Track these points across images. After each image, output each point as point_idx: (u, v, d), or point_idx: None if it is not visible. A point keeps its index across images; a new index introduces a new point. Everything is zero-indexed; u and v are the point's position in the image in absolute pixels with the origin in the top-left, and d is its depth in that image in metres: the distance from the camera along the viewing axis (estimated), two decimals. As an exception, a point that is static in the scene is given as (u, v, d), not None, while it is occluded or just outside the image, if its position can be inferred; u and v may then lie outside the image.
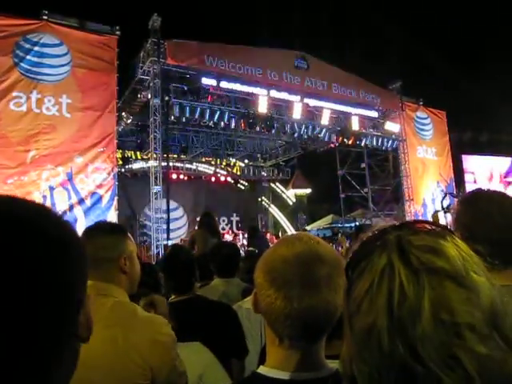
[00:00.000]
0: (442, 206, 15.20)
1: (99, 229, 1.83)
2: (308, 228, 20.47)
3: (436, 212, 5.45)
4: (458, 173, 17.93)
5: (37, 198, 9.13)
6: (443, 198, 12.98)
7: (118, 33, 10.52)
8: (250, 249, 6.16)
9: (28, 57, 9.32)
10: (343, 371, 0.72)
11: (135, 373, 1.55)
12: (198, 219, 7.24)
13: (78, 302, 0.66)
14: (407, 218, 15.91)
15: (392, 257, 0.65)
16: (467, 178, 18.36)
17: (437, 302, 0.60)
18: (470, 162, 18.85)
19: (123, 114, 13.06)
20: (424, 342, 0.59)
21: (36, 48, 9.42)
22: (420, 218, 15.97)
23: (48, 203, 9.28)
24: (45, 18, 9.65)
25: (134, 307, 1.72)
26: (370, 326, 0.63)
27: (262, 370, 1.09)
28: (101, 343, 1.47)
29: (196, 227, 6.60)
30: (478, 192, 1.77)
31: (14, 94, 9.11)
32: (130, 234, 1.89)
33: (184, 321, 1.99)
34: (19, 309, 0.56)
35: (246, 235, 13.21)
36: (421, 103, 17.06)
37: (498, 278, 0.70)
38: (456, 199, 15.96)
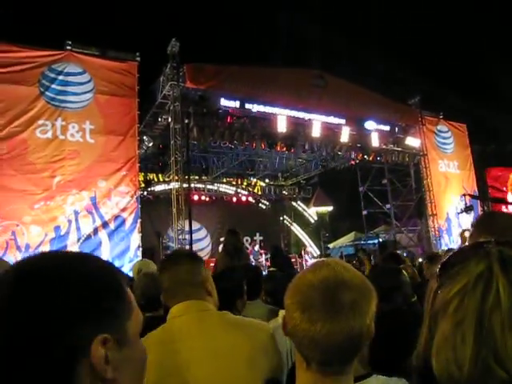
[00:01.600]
0: (462, 209, 15.03)
1: (184, 256, 2.04)
2: (331, 246, 20.33)
3: (463, 231, 5.37)
4: (482, 186, 17.71)
5: (62, 222, 9.33)
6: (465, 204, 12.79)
7: (138, 59, 10.78)
8: (272, 269, 6.14)
9: (53, 86, 9.62)
10: (416, 367, 0.74)
11: (267, 366, 1.70)
12: (221, 239, 7.26)
13: (79, 339, 0.66)
14: (431, 234, 15.72)
15: (492, 265, 0.65)
16: (491, 190, 18.12)
17: None
18: (494, 174, 18.60)
19: (144, 137, 13.27)
20: (511, 352, 0.59)
21: (60, 77, 9.72)
22: (444, 232, 15.76)
23: (73, 227, 9.46)
24: (68, 48, 9.99)
25: (232, 315, 1.91)
26: (456, 326, 0.64)
27: None
28: (229, 347, 1.67)
29: (221, 246, 6.58)
30: (492, 213, 1.78)
31: (40, 122, 9.39)
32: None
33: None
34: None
35: (268, 255, 13.19)
36: (441, 117, 16.97)
37: None
38: (479, 201, 15.81)
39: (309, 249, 20.17)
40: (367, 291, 1.10)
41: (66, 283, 0.67)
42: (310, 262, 14.49)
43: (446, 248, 10.78)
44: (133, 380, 0.73)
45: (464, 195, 15.57)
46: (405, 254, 12.77)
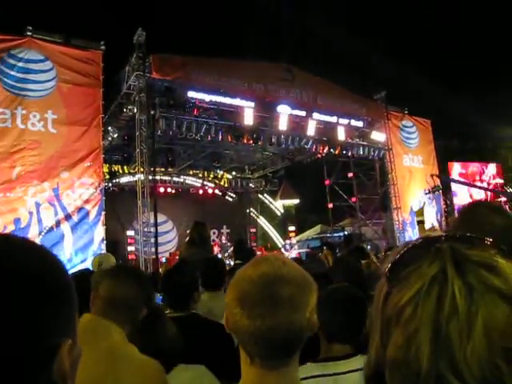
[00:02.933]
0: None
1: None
2: (297, 238, 20.48)
3: (421, 207, 5.45)
4: (445, 178, 18.15)
5: (23, 214, 9.07)
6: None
7: (102, 48, 10.54)
8: (237, 262, 6.14)
9: (12, 72, 9.29)
10: (367, 375, 0.71)
11: None
12: (188, 231, 7.20)
13: (50, 347, 0.62)
14: (395, 227, 16.04)
15: (446, 265, 0.61)
16: (454, 185, 18.59)
17: (489, 323, 0.56)
18: (456, 169, 19.10)
19: (109, 128, 13.03)
20: (470, 361, 0.55)
21: (20, 64, 9.40)
22: (408, 225, 16.09)
23: (34, 219, 9.21)
24: (29, 34, 9.65)
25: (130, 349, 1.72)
26: (410, 337, 0.59)
27: None
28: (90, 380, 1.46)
29: (187, 238, 6.54)
30: (477, 203, 1.78)
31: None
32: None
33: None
34: None
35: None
36: (406, 112, 17.28)
37: None
38: (443, 203, 16.24)
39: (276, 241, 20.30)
40: (306, 285, 1.11)
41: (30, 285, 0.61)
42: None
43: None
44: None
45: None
46: (369, 247, 12.97)
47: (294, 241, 19.83)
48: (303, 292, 1.08)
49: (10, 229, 8.86)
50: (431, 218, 16.21)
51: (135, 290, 1.81)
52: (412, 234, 15.57)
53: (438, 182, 16.43)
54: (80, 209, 9.80)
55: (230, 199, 20.69)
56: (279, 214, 21.92)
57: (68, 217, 9.61)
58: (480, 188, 18.02)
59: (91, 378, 1.45)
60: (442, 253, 0.63)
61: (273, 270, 1.09)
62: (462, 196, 17.95)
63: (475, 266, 0.61)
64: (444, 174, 17.81)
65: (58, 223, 9.48)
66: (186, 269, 3.07)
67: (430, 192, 16.08)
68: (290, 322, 1.05)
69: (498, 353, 0.55)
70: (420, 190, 16.71)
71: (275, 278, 1.07)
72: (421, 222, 4.48)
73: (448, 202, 17.38)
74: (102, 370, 1.55)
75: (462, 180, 18.16)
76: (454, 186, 18.56)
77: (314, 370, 1.79)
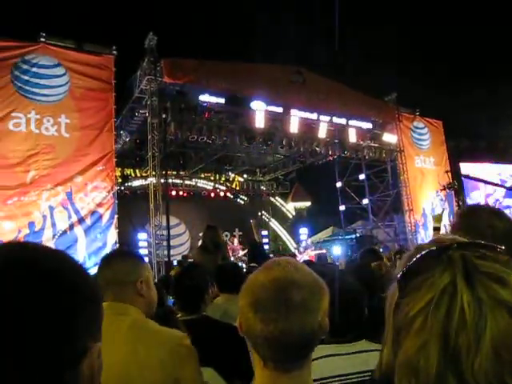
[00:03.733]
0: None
1: (117, 254, 1.98)
2: (309, 241, 20.46)
3: (440, 214, 5.33)
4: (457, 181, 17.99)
5: (37, 218, 9.18)
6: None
7: (114, 52, 10.64)
8: (252, 265, 6.13)
9: (26, 78, 9.42)
10: (378, 378, 0.71)
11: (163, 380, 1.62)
12: (200, 234, 7.21)
13: (78, 351, 0.63)
14: (407, 229, 15.94)
15: (456, 277, 0.61)
16: (466, 186, 18.42)
17: (498, 337, 0.56)
18: (469, 169, 18.92)
19: (121, 132, 13.14)
20: (477, 375, 0.55)
21: (34, 69, 9.53)
22: (420, 227, 15.98)
23: (48, 223, 9.31)
24: (42, 40, 9.79)
25: (152, 323, 1.78)
26: (420, 348, 0.60)
27: None
28: (123, 359, 1.55)
29: (200, 242, 6.53)
30: (475, 206, 1.78)
31: (13, 114, 9.20)
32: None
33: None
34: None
35: (246, 250, 13.21)
36: (417, 113, 17.18)
37: None
38: (456, 207, 16.04)
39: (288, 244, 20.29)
40: (317, 289, 1.12)
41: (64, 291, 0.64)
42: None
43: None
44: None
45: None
46: (381, 250, 12.90)
47: (306, 243, 19.80)
48: (315, 296, 1.10)
49: (25, 232, 8.97)
50: (444, 220, 16.05)
51: (122, 265, 1.84)
52: (424, 236, 15.48)
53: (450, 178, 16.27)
54: (93, 212, 9.88)
55: (242, 202, 20.72)
56: (291, 216, 21.91)
57: (81, 220, 9.69)
58: (496, 185, 17.77)
59: (120, 357, 1.55)
60: (453, 263, 0.63)
61: (284, 274, 1.11)
62: (476, 197, 17.79)
63: (486, 278, 0.60)
64: (455, 174, 17.66)
65: (71, 226, 9.56)
66: (196, 272, 3.08)
67: (444, 189, 15.92)
68: (303, 326, 1.06)
69: (505, 368, 0.55)
70: (432, 192, 16.61)
71: (287, 282, 1.09)
72: (437, 229, 4.40)
73: (460, 203, 17.23)
74: (130, 348, 1.63)
75: (477, 177, 17.95)
76: (466, 186, 18.39)
77: (328, 350, 1.82)
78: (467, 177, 16.90)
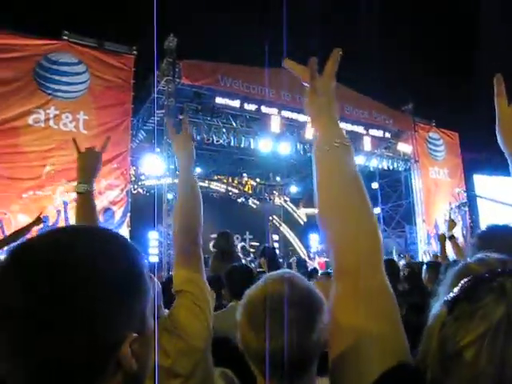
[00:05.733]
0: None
1: None
2: (319, 247, 20.38)
3: (453, 220, 5.25)
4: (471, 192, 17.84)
5: (51, 212, 9.28)
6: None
7: (134, 53, 10.75)
8: (259, 270, 6.12)
9: (47, 74, 9.56)
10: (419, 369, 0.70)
11: None
12: (212, 235, 7.19)
13: (113, 338, 0.66)
14: (419, 240, 15.84)
15: (511, 310, 0.59)
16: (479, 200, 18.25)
17: None
18: (484, 182, 18.74)
19: (138, 131, 13.25)
20: None
21: (55, 66, 9.67)
22: (432, 239, 15.87)
23: (62, 218, 9.42)
24: (65, 38, 9.94)
25: None
26: (473, 379, 0.59)
27: None
28: None
29: (211, 243, 6.50)
30: (495, 226, 1.77)
31: (33, 110, 9.33)
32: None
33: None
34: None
35: (258, 255, 13.18)
36: (433, 124, 17.09)
37: None
38: (468, 219, 15.92)
39: (298, 250, 20.22)
40: (314, 305, 1.11)
41: (107, 276, 0.66)
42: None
43: (433, 254, 10.76)
44: (148, 361, 0.74)
45: (458, 193, 15.73)
46: (396, 258, 12.80)
47: (316, 250, 19.72)
48: (311, 313, 1.09)
49: (39, 226, 9.06)
50: (457, 233, 15.90)
51: None
52: (436, 248, 15.36)
53: (463, 197, 16.16)
54: (106, 210, 9.96)
55: (254, 206, 20.75)
56: (302, 222, 21.87)
57: (94, 217, 9.75)
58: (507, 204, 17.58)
59: None
60: (506, 293, 0.61)
61: (278, 291, 1.10)
62: (486, 212, 17.62)
63: None
64: (470, 189, 17.50)
65: (84, 222, 9.63)
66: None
67: (457, 207, 15.82)
68: (299, 344, 1.06)
69: None
70: (445, 204, 16.48)
71: (280, 300, 1.08)
72: (453, 237, 4.34)
73: (473, 217, 17.08)
74: None
75: (488, 197, 17.73)
76: (479, 201, 18.22)
77: None
78: (478, 196, 16.68)
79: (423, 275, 4.54)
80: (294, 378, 1.09)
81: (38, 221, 4.49)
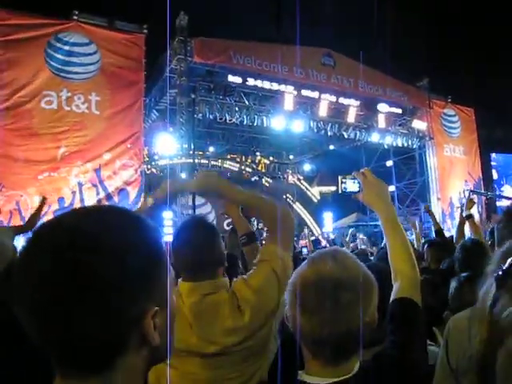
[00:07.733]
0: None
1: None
2: (333, 226, 20.40)
3: (472, 199, 5.19)
4: (487, 171, 17.61)
5: (66, 194, 9.36)
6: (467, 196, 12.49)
7: (145, 31, 10.64)
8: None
9: (58, 56, 9.53)
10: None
11: None
12: (225, 216, 7.20)
13: (137, 312, 0.68)
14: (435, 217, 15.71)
15: None
16: (495, 176, 18.06)
17: None
18: (500, 160, 18.52)
19: (150, 111, 13.22)
20: None
21: (66, 47, 9.63)
22: (447, 217, 15.74)
23: (77, 199, 9.49)
24: (75, 18, 9.86)
25: None
26: None
27: (304, 377, 1.11)
28: None
29: (226, 222, 6.52)
30: None
31: (45, 92, 9.34)
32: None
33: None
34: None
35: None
36: (449, 100, 16.80)
37: None
38: (484, 198, 15.69)
39: (312, 228, 20.23)
40: (366, 288, 1.10)
41: (127, 252, 0.67)
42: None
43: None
44: (171, 335, 0.77)
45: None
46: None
47: (331, 228, 19.73)
48: (363, 296, 1.08)
49: (54, 208, 9.14)
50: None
51: None
52: (451, 226, 15.26)
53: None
54: (121, 190, 10.01)
55: (267, 184, 20.74)
56: (315, 200, 21.83)
57: (109, 197, 9.84)
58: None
59: None
60: None
61: (331, 274, 1.08)
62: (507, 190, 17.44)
63: None
64: (486, 167, 17.18)
65: (99, 203, 9.71)
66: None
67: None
68: (350, 327, 1.05)
69: None
70: (460, 182, 16.29)
71: (334, 283, 1.06)
72: (470, 217, 4.29)
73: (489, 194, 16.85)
74: None
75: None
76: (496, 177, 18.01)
77: None
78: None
79: (425, 256, 4.26)
80: (346, 357, 1.10)
81: (42, 202, 4.70)
